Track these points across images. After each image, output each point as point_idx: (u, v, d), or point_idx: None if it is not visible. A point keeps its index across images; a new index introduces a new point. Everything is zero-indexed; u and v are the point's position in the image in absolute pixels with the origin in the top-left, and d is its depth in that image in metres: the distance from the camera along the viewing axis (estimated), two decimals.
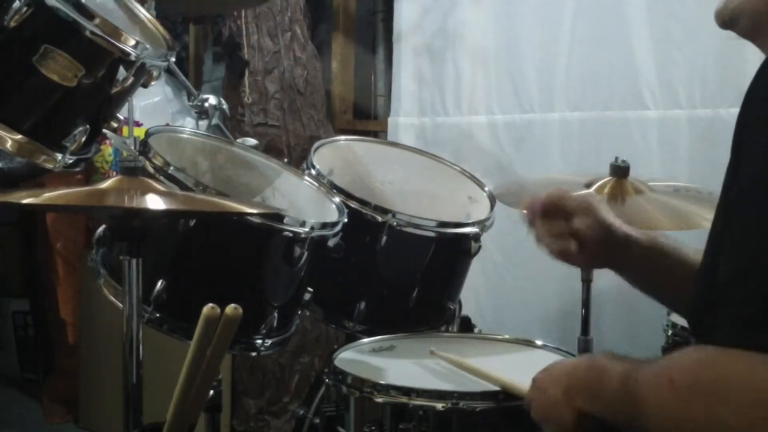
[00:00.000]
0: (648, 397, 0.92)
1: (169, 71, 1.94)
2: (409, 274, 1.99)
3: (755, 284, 0.83)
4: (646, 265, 1.46)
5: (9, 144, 1.51)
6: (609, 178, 2.12)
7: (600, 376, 1.07)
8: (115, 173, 2.63)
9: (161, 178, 1.61)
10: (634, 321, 2.68)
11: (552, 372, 1.22)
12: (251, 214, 1.61)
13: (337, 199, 1.88)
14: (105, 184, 1.45)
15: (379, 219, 1.89)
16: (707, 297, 0.98)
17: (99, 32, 1.50)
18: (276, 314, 1.75)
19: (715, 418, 0.82)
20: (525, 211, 1.52)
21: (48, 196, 1.45)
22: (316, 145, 2.11)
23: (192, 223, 1.64)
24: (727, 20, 1.10)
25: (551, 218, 1.47)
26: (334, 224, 1.78)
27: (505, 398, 1.46)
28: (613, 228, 1.45)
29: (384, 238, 1.88)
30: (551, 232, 1.46)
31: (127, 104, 1.89)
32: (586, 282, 2.23)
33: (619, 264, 1.49)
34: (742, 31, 1.09)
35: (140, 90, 1.68)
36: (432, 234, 1.94)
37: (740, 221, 0.88)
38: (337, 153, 2.16)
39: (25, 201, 1.42)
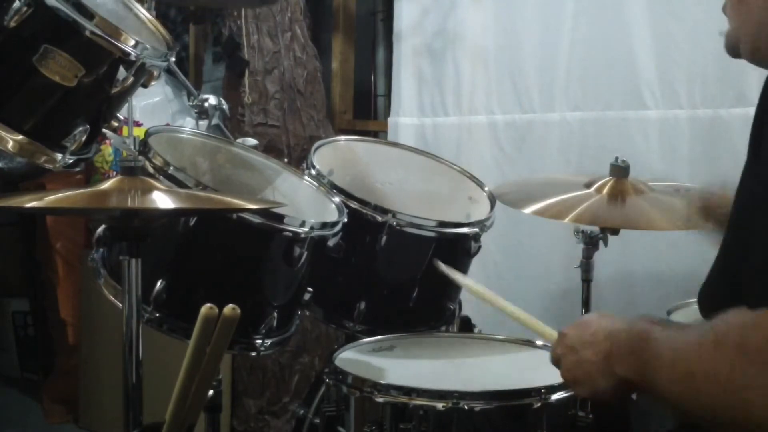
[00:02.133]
0: (694, 359, 0.90)
1: (169, 71, 1.94)
2: (409, 274, 1.99)
3: None
4: None
5: (10, 144, 1.51)
6: (609, 178, 2.12)
7: (645, 345, 1.02)
8: (115, 173, 2.64)
9: (161, 178, 1.61)
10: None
11: (585, 330, 1.16)
12: (252, 211, 1.61)
13: (337, 199, 1.88)
14: (106, 185, 1.45)
15: (379, 219, 1.89)
16: (727, 290, 0.97)
17: (99, 32, 1.50)
18: (276, 314, 1.75)
19: (762, 381, 0.81)
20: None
21: (50, 199, 1.45)
22: (316, 145, 2.11)
23: (192, 222, 1.64)
24: (732, 50, 1.11)
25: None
26: (334, 224, 1.78)
27: (505, 398, 1.46)
28: None
29: (384, 238, 1.88)
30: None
31: (127, 104, 1.89)
32: (586, 282, 2.24)
33: None
34: (747, 57, 1.09)
35: (140, 90, 1.68)
36: (432, 234, 1.94)
37: None
38: (337, 153, 2.16)
39: (27, 205, 1.42)
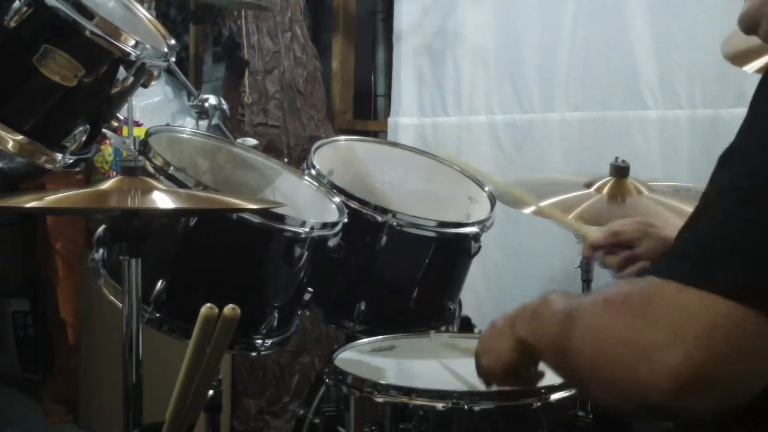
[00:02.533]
0: (584, 318, 0.92)
1: (169, 71, 1.94)
2: (409, 274, 1.99)
3: (702, 225, 0.86)
4: None
5: (10, 144, 1.51)
6: (609, 178, 2.12)
7: (543, 305, 1.05)
8: (115, 173, 2.64)
9: (161, 178, 1.61)
10: None
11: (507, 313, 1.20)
12: (252, 211, 1.61)
13: (337, 199, 1.88)
14: (106, 185, 1.45)
15: (379, 219, 1.88)
16: None
17: (99, 32, 1.50)
18: (276, 314, 1.75)
19: (634, 332, 0.83)
20: (590, 256, 1.67)
21: (50, 199, 1.45)
22: (316, 145, 2.11)
23: (192, 222, 1.64)
24: (749, 26, 1.10)
25: (617, 251, 1.59)
26: (334, 224, 1.78)
27: (505, 398, 1.46)
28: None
29: (384, 238, 1.88)
30: (622, 261, 1.58)
31: (127, 104, 1.89)
32: (586, 282, 2.24)
33: None
34: (764, 35, 1.09)
35: (140, 90, 1.68)
36: (432, 234, 1.94)
37: (708, 189, 0.91)
38: (337, 153, 2.16)
39: (28, 205, 1.42)
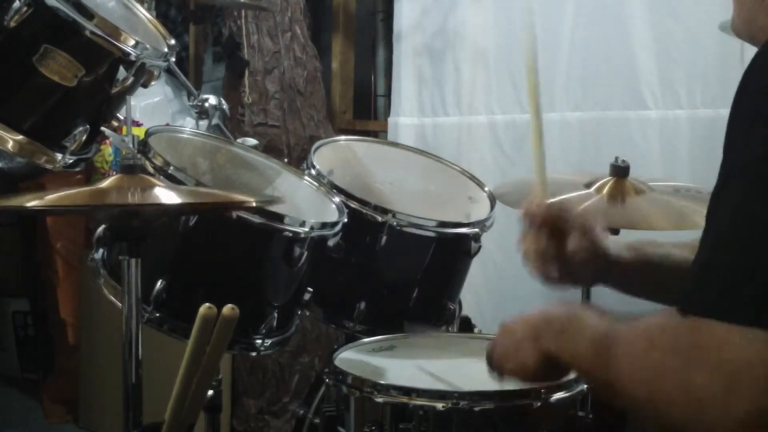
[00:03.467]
0: (623, 353, 0.92)
1: (169, 71, 1.94)
2: (409, 274, 1.99)
3: (734, 259, 0.85)
4: (635, 283, 1.47)
5: (9, 144, 1.51)
6: (609, 178, 2.12)
7: (574, 323, 1.05)
8: (115, 173, 2.63)
9: (161, 178, 1.61)
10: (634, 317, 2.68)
11: (523, 317, 1.19)
12: (252, 209, 1.61)
13: (337, 199, 1.88)
14: (105, 183, 1.45)
15: (379, 219, 1.88)
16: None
17: (99, 32, 1.50)
18: (276, 314, 1.74)
19: (688, 382, 0.83)
20: (523, 216, 1.53)
21: (50, 198, 1.45)
22: (316, 145, 2.11)
23: (192, 222, 1.64)
24: (740, 35, 1.11)
25: (546, 234, 1.47)
26: (334, 224, 1.78)
27: (505, 398, 1.46)
28: (606, 250, 1.44)
29: (384, 238, 1.88)
30: (540, 250, 1.48)
31: (127, 104, 1.89)
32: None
33: (607, 282, 1.50)
34: (748, 40, 1.09)
35: (140, 90, 1.68)
36: (432, 234, 1.94)
37: (722, 202, 0.90)
38: (337, 153, 2.16)
39: (28, 204, 1.42)
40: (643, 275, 1.46)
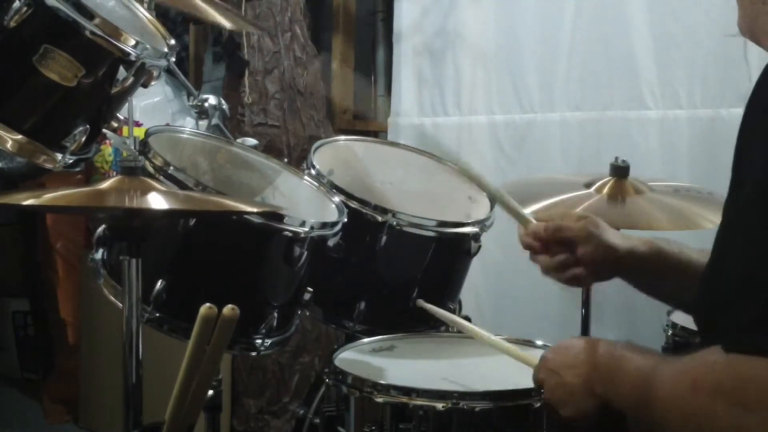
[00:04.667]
0: (668, 396, 0.93)
1: (169, 71, 1.93)
2: (409, 274, 1.98)
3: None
4: (649, 274, 1.48)
5: (9, 144, 1.51)
6: (609, 178, 2.12)
7: (619, 367, 1.06)
8: (115, 173, 2.63)
9: (161, 178, 1.61)
10: (634, 321, 2.68)
11: (566, 354, 1.20)
12: (251, 213, 1.61)
13: (337, 199, 1.88)
14: (105, 184, 1.45)
15: (379, 219, 1.88)
16: (715, 298, 0.98)
17: (99, 32, 1.50)
18: (276, 314, 1.74)
19: (738, 423, 0.83)
20: (524, 245, 1.56)
21: (49, 197, 1.45)
22: (316, 145, 2.10)
23: (192, 222, 1.64)
24: (747, 36, 1.11)
25: (554, 249, 1.50)
26: (334, 224, 1.78)
27: (505, 398, 1.46)
28: (615, 247, 1.46)
29: (384, 238, 1.88)
30: (556, 264, 1.50)
31: (127, 104, 1.89)
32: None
33: (623, 275, 1.52)
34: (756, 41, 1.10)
35: (140, 90, 1.67)
36: (432, 234, 1.94)
37: (747, 227, 0.89)
38: (337, 153, 2.16)
39: (26, 202, 1.42)
40: (659, 268, 1.47)
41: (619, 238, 1.48)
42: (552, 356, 1.23)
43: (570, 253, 1.49)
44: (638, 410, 1.02)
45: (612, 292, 2.59)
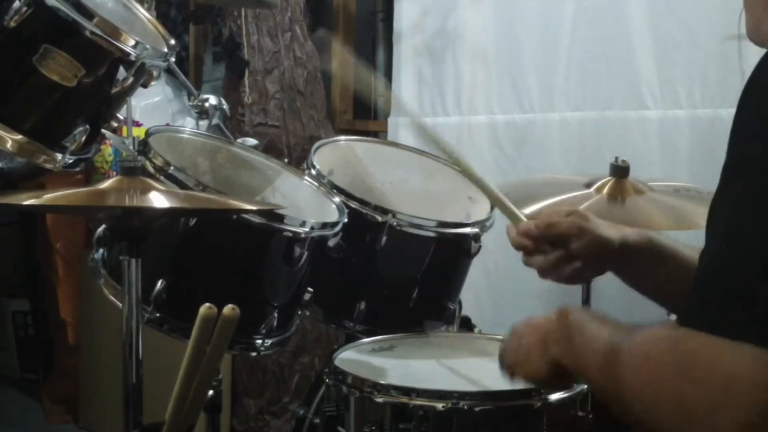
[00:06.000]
0: (625, 365, 0.94)
1: (169, 71, 1.94)
2: (409, 274, 1.99)
3: (732, 274, 0.86)
4: (644, 268, 1.47)
5: (9, 144, 1.51)
6: (609, 178, 2.12)
7: (580, 331, 1.07)
8: (115, 173, 2.64)
9: (161, 178, 1.61)
10: (634, 321, 2.68)
11: (531, 321, 1.21)
12: (251, 211, 1.61)
13: (337, 199, 1.88)
14: (105, 184, 1.45)
15: (379, 219, 1.88)
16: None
17: (99, 32, 1.50)
18: (276, 314, 1.74)
19: (680, 394, 0.85)
20: (516, 246, 1.54)
21: (49, 197, 1.45)
22: (316, 145, 2.11)
23: (192, 222, 1.64)
24: (753, 41, 1.11)
25: (546, 249, 1.49)
26: (334, 224, 1.78)
27: (505, 398, 1.46)
28: (609, 238, 1.46)
29: (384, 238, 1.88)
30: (552, 262, 1.49)
31: (127, 104, 1.89)
32: (587, 282, 2.24)
33: (618, 270, 1.51)
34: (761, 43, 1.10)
35: (140, 90, 1.67)
36: (432, 234, 1.94)
37: (719, 210, 0.91)
38: (337, 153, 2.16)
39: (26, 202, 1.42)
40: (653, 263, 1.47)
41: (611, 229, 1.47)
42: (520, 324, 1.24)
43: (564, 250, 1.47)
44: (597, 380, 1.03)
45: (612, 292, 2.60)
